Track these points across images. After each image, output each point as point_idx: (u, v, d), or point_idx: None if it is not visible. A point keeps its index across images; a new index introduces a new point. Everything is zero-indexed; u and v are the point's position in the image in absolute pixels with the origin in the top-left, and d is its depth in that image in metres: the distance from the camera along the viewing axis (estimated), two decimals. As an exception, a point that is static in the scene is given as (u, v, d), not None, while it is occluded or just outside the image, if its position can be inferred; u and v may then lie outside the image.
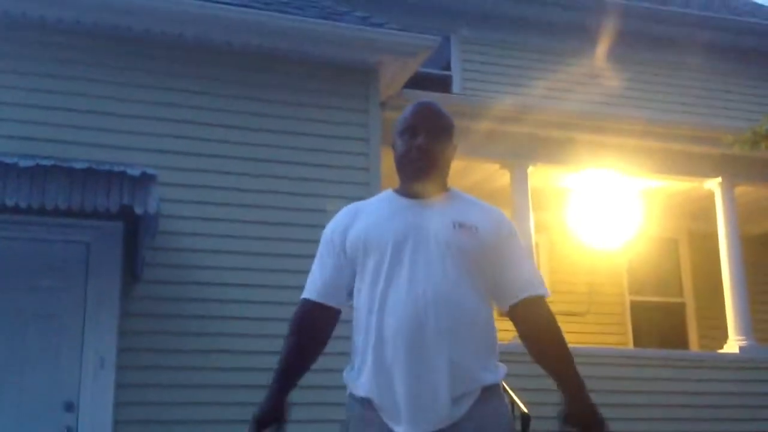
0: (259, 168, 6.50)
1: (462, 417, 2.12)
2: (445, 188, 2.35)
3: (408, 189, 2.33)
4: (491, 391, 2.19)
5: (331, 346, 2.39)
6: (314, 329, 2.34)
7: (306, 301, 2.34)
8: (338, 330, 2.39)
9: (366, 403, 2.18)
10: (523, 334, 2.32)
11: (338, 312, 2.36)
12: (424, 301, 2.13)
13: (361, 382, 2.19)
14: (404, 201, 2.30)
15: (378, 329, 2.16)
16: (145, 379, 5.84)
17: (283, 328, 2.40)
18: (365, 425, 2.18)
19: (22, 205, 5.03)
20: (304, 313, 2.34)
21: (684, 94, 9.93)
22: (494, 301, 2.33)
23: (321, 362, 2.39)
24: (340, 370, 2.32)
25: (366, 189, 6.70)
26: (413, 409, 2.10)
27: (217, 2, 6.43)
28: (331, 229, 2.37)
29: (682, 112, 9.63)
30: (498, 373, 2.23)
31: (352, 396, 2.24)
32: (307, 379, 2.38)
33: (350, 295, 2.34)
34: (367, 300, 2.21)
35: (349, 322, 2.36)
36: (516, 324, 2.33)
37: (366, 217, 2.30)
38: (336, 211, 2.42)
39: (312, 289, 2.34)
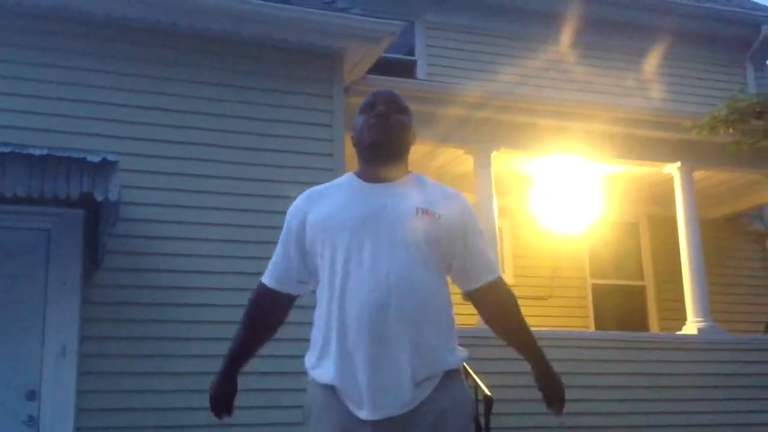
0: (222, 154, 6.46)
1: (424, 401, 2.15)
2: (406, 171, 2.35)
3: (368, 167, 2.32)
4: (452, 375, 2.22)
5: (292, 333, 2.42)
6: (266, 313, 2.41)
7: (261, 284, 2.41)
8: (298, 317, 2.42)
9: (328, 389, 2.18)
10: (489, 316, 2.40)
11: (292, 298, 2.41)
12: (386, 286, 2.14)
13: (323, 368, 2.20)
14: (365, 186, 2.30)
15: (340, 315, 2.17)
16: (108, 367, 5.80)
17: (241, 315, 2.44)
18: (327, 412, 2.19)
19: (-20, 192, 4.95)
20: (257, 297, 2.42)
21: (645, 80, 10.03)
22: (456, 284, 2.37)
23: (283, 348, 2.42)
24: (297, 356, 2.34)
25: (331, 174, 6.66)
26: (375, 393, 2.12)
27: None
28: (291, 214, 2.37)
29: (643, 97, 9.74)
30: (459, 356, 2.27)
31: (313, 382, 2.24)
32: (268, 365, 2.40)
33: (305, 282, 2.36)
34: (328, 285, 2.21)
35: (304, 307, 2.39)
36: (480, 306, 2.39)
37: (326, 202, 2.30)
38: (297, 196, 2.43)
39: (268, 273, 2.41)
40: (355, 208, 2.25)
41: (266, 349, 2.49)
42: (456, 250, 2.28)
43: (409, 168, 2.39)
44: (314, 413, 2.23)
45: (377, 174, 2.30)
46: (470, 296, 2.40)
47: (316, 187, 2.41)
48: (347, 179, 2.37)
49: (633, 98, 9.56)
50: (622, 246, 9.83)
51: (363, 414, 2.13)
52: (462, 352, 2.28)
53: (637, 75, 9.99)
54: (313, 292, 2.33)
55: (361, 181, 2.32)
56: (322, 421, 2.20)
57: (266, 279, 2.40)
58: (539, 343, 2.39)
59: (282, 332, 2.48)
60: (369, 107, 2.34)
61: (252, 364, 2.48)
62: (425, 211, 2.23)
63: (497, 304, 2.38)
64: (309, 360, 2.27)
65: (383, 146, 2.30)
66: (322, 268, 2.25)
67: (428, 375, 2.16)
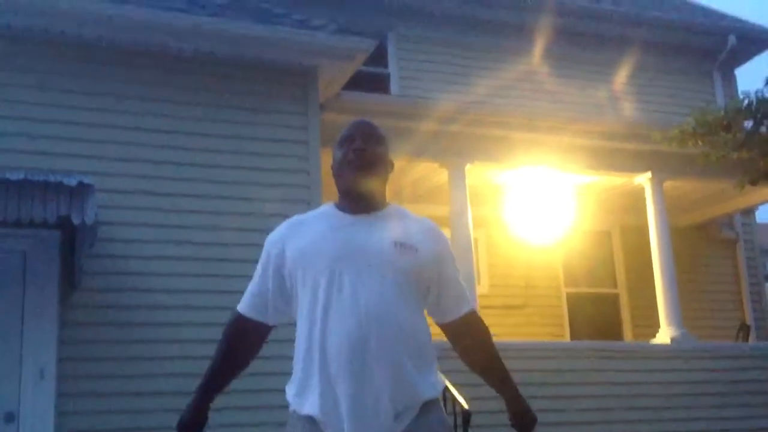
0: (198, 173, 6.48)
1: (403, 431, 2.20)
2: (384, 203, 2.40)
3: (347, 200, 2.38)
4: (431, 405, 2.27)
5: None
6: (241, 341, 2.44)
7: (237, 313, 2.44)
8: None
9: (309, 421, 2.22)
10: (463, 348, 2.46)
11: (268, 328, 2.45)
12: (366, 319, 2.18)
13: (305, 399, 2.24)
14: (345, 217, 2.35)
15: (321, 347, 2.21)
16: (87, 388, 5.80)
17: (220, 334, 2.47)
18: None
19: (-44, 218, 4.95)
20: (232, 324, 2.45)
21: (616, 92, 10.19)
22: (431, 316, 2.42)
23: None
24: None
25: (306, 191, 6.76)
26: (356, 424, 2.16)
27: (153, 7, 6.38)
28: (270, 243, 2.41)
29: (614, 109, 9.90)
30: (437, 387, 2.31)
31: (294, 414, 2.28)
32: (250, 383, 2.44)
33: (282, 312, 2.40)
34: (308, 317, 2.25)
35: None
36: (454, 338, 2.45)
37: (306, 232, 2.35)
38: (277, 221, 2.49)
39: (244, 302, 2.44)
40: (334, 240, 2.29)
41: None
42: (432, 282, 2.34)
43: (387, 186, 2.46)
44: None
45: (356, 206, 2.36)
46: (445, 328, 2.46)
47: (296, 217, 2.45)
48: (327, 210, 2.42)
49: (604, 110, 9.71)
50: (596, 255, 9.97)
51: None
52: (440, 382, 2.34)
53: (607, 87, 10.14)
54: (292, 320, 2.37)
55: (341, 212, 2.37)
56: None
57: (242, 308, 2.43)
58: (514, 357, 2.53)
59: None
60: (347, 141, 2.39)
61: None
62: (403, 245, 2.29)
63: (471, 337, 2.44)
64: (290, 391, 2.30)
65: (362, 181, 2.35)
66: (302, 299, 2.29)
67: (407, 406, 2.21)
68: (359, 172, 2.34)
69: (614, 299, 10.04)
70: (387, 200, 2.44)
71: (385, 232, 2.31)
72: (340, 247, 2.27)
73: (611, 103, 10.00)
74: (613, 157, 8.53)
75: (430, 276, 2.33)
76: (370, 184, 2.37)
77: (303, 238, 2.33)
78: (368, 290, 2.21)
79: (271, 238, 2.42)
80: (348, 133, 2.41)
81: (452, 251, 2.46)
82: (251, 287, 2.43)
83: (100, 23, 6.30)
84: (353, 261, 2.24)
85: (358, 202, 2.36)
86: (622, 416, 7.55)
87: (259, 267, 2.42)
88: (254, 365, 2.52)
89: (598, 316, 9.84)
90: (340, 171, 2.39)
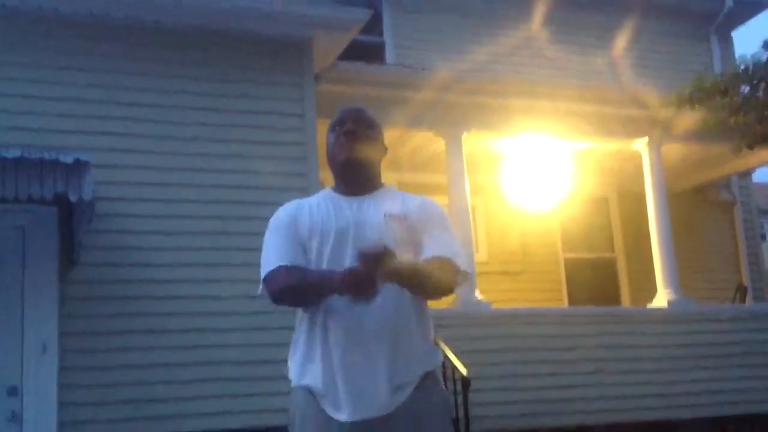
0: (195, 147, 6.50)
1: (401, 405, 2.25)
2: (378, 185, 2.48)
3: (343, 182, 2.44)
4: (429, 378, 2.32)
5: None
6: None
7: (278, 267, 2.31)
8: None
9: (309, 395, 2.28)
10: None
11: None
12: None
13: (306, 370, 2.30)
14: (342, 199, 2.42)
15: (323, 322, 2.28)
16: (88, 362, 5.87)
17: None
18: (306, 420, 2.29)
19: (-47, 196, 4.97)
20: (282, 271, 2.30)
21: (613, 57, 10.12)
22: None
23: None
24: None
25: (303, 163, 6.77)
26: (354, 397, 2.22)
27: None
28: (278, 217, 2.45)
29: (611, 74, 9.84)
30: (436, 359, 2.38)
31: (297, 387, 2.33)
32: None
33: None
34: None
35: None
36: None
37: (309, 212, 2.41)
38: (274, 194, 2.51)
39: (276, 260, 2.33)
40: (334, 218, 2.36)
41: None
42: (419, 237, 2.37)
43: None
44: (297, 421, 2.33)
45: (351, 189, 2.43)
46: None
47: (298, 200, 2.50)
48: (325, 194, 2.49)
49: (602, 75, 9.66)
50: (593, 221, 10.00)
51: (342, 417, 2.23)
52: (439, 354, 2.39)
53: (605, 52, 10.08)
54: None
55: (338, 195, 2.44)
56: (303, 429, 2.30)
57: (279, 261, 2.32)
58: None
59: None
60: (339, 124, 2.45)
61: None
62: (393, 215, 2.36)
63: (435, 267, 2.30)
64: (293, 364, 2.36)
65: (354, 164, 2.42)
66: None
67: (405, 379, 2.26)
68: (351, 152, 2.40)
69: (612, 264, 10.09)
70: (382, 182, 2.50)
71: (378, 207, 2.39)
72: (339, 228, 2.34)
73: (609, 69, 9.94)
74: (611, 122, 8.52)
75: (420, 234, 2.37)
76: (362, 164, 2.43)
77: (307, 217, 2.40)
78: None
79: (281, 214, 2.45)
80: (339, 117, 2.47)
81: (448, 220, 2.49)
82: (276, 248, 2.36)
83: (95, 0, 6.27)
84: (351, 238, 2.31)
85: (352, 183, 2.43)
86: (620, 380, 7.63)
87: (272, 239, 2.39)
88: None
89: (596, 281, 9.90)
90: (332, 153, 2.46)
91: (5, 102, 6.03)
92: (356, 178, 2.43)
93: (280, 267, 2.31)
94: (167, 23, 6.56)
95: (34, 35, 6.23)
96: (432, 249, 2.34)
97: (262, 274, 2.36)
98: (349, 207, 2.39)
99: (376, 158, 2.48)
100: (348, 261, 2.26)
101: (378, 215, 2.35)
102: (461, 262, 2.38)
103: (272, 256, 2.36)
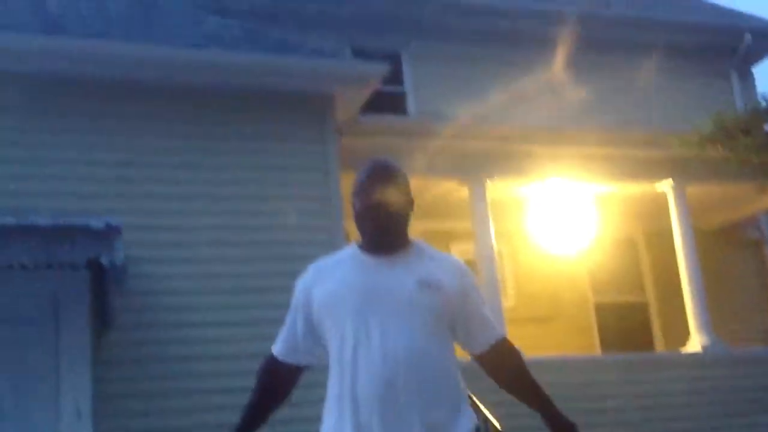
0: (221, 205, 6.57)
1: None
2: (407, 242, 2.42)
3: (371, 244, 2.40)
4: None
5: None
6: (275, 381, 2.50)
7: (270, 354, 2.50)
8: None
9: None
10: (499, 377, 2.48)
11: (300, 369, 2.48)
12: (394, 361, 2.22)
13: None
14: (369, 259, 2.38)
15: (352, 390, 2.25)
16: (123, 425, 5.87)
17: (256, 365, 2.53)
18: None
19: (-13, 265, 5.05)
20: (266, 366, 2.51)
21: (634, 99, 10.15)
22: (463, 349, 2.45)
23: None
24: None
25: (328, 217, 6.82)
26: None
27: (171, 45, 6.48)
28: (298, 289, 2.46)
29: (632, 116, 9.85)
30: (468, 424, 2.34)
31: None
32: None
33: (313, 354, 2.45)
34: (338, 360, 2.29)
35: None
36: (488, 368, 2.47)
37: (332, 276, 2.39)
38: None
39: (277, 343, 2.49)
40: (360, 282, 2.33)
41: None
42: (458, 316, 2.37)
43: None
44: None
45: (379, 248, 2.39)
46: (478, 360, 2.47)
47: (322, 260, 2.49)
48: (351, 252, 2.45)
49: (623, 117, 9.67)
50: (622, 263, 9.90)
51: None
52: (472, 420, 2.36)
53: (625, 93, 10.10)
54: (323, 359, 2.40)
55: (365, 254, 2.40)
56: None
57: (275, 349, 2.49)
58: (544, 372, 2.59)
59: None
60: (366, 188, 2.39)
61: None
62: (427, 283, 2.32)
63: (505, 368, 2.47)
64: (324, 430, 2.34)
65: (384, 229, 2.38)
66: (332, 345, 2.33)
67: None
68: (382, 229, 2.38)
69: (643, 307, 9.97)
70: (410, 238, 2.46)
71: (409, 272, 2.34)
72: (366, 292, 2.31)
73: (630, 110, 9.96)
74: (635, 165, 8.51)
75: (455, 311, 2.35)
76: (391, 231, 2.40)
77: (329, 283, 2.37)
78: (395, 334, 2.25)
79: (299, 284, 2.46)
80: (364, 181, 2.41)
81: (477, 284, 2.49)
82: (283, 330, 2.48)
83: (122, 64, 6.42)
84: (379, 305, 2.28)
85: (381, 248, 2.39)
86: (657, 427, 7.49)
87: (290, 309, 2.46)
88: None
89: (628, 325, 9.78)
90: (360, 220, 2.41)
91: (36, 168, 6.14)
92: (385, 240, 2.39)
93: (269, 355, 2.49)
94: (192, 83, 6.68)
95: (62, 100, 6.37)
96: (484, 337, 2.42)
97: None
98: (376, 269, 2.35)
99: (403, 215, 2.43)
100: (375, 327, 2.25)
101: (410, 281, 2.31)
102: (501, 328, 2.56)
103: (281, 333, 2.48)
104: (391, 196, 2.39)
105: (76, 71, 6.35)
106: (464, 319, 2.38)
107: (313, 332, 2.40)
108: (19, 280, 5.81)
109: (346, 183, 6.85)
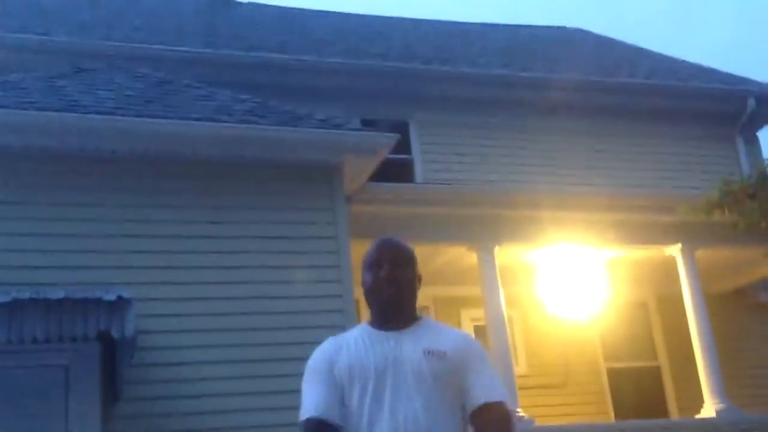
0: (232, 275, 6.61)
1: None
2: (415, 318, 2.53)
3: (380, 320, 2.50)
4: None
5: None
6: None
7: (308, 420, 2.38)
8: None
9: None
10: None
11: (339, 428, 2.41)
12: (404, 430, 2.29)
13: None
14: (380, 334, 2.47)
15: None
16: (132, 499, 5.84)
17: None
18: None
19: (1, 340, 5.10)
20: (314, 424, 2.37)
21: (640, 163, 10.25)
22: (466, 409, 2.45)
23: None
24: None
25: (338, 286, 6.85)
26: None
27: (181, 118, 6.63)
28: (316, 360, 2.50)
29: (639, 181, 9.93)
30: None
31: None
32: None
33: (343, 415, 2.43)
34: (355, 430, 2.35)
35: None
36: (475, 429, 2.44)
37: (347, 350, 2.46)
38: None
39: (312, 409, 2.39)
40: (374, 355, 2.41)
41: None
42: (462, 381, 2.42)
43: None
44: None
45: (389, 325, 2.49)
46: (470, 419, 2.44)
47: (335, 337, 2.56)
48: (362, 329, 2.54)
49: (629, 182, 9.76)
50: (633, 327, 9.87)
51: None
52: None
53: (631, 158, 10.21)
54: None
55: (375, 330, 2.50)
56: None
57: (309, 413, 2.38)
58: None
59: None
60: (375, 265, 2.51)
61: None
62: (432, 352, 2.41)
63: (489, 429, 2.40)
64: None
65: (393, 306, 2.50)
66: (349, 413, 2.38)
67: None
68: (391, 302, 2.48)
69: (656, 372, 9.88)
70: (418, 313, 2.56)
71: (416, 343, 2.43)
72: (380, 362, 2.39)
73: (637, 175, 10.04)
74: (642, 230, 8.54)
75: (460, 375, 2.41)
76: (401, 307, 2.51)
77: (345, 356, 2.45)
78: (405, 402, 2.33)
79: (316, 356, 2.50)
80: (376, 256, 2.52)
81: (486, 355, 2.54)
82: (312, 396, 2.42)
83: (133, 138, 6.55)
84: (390, 375, 2.37)
85: (391, 322, 2.49)
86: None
87: (309, 382, 2.45)
88: None
89: (641, 391, 9.68)
90: (370, 296, 2.52)
91: (47, 242, 6.22)
92: (394, 316, 2.50)
93: (309, 420, 2.37)
94: (203, 156, 6.79)
95: (74, 175, 6.48)
96: (479, 394, 2.40)
97: (300, 417, 2.42)
98: (387, 343, 2.44)
99: (411, 291, 2.54)
100: (387, 398, 2.32)
101: (416, 351, 2.40)
102: (501, 393, 2.44)
103: (309, 401, 2.41)
104: (399, 273, 2.51)
105: (90, 147, 6.48)
106: (465, 377, 2.42)
107: (336, 392, 2.41)
108: (32, 353, 5.85)
109: (356, 250, 6.96)
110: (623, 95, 10.58)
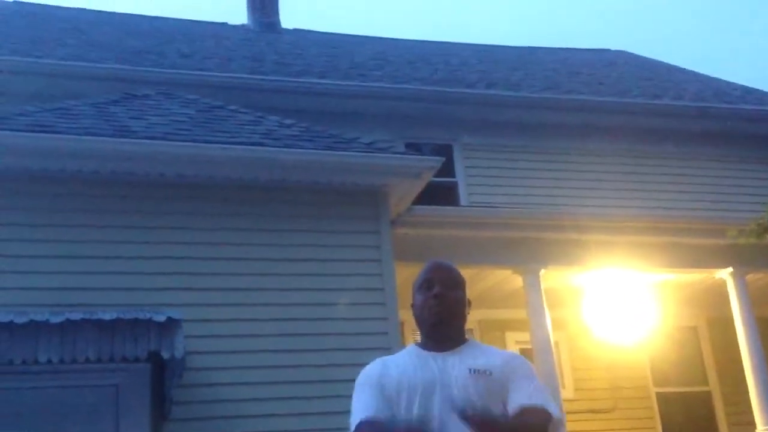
0: (278, 297, 6.67)
1: None
2: (462, 340, 2.57)
3: (428, 340, 2.55)
4: None
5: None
6: None
7: (360, 422, 2.39)
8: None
9: None
10: None
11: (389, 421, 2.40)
12: None
13: None
14: (428, 354, 2.51)
15: None
16: None
17: None
18: None
19: (54, 359, 5.21)
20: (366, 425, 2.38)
21: (689, 186, 10.13)
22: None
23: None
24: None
25: (383, 308, 6.86)
26: None
27: (229, 143, 6.75)
28: (365, 375, 2.53)
29: (689, 205, 9.80)
30: None
31: None
32: None
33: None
34: None
35: None
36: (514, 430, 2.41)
37: (396, 368, 2.50)
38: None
39: (361, 414, 2.40)
40: (422, 373, 2.45)
41: None
42: (506, 393, 2.43)
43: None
44: None
45: (437, 346, 2.53)
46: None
47: (384, 357, 2.61)
48: (410, 350, 2.59)
49: (677, 205, 9.64)
50: (683, 351, 9.72)
51: None
52: None
53: (678, 182, 10.10)
54: None
55: (423, 350, 2.54)
56: None
57: (368, 414, 2.39)
58: None
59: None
60: (426, 286, 2.57)
61: None
62: (477, 371, 2.44)
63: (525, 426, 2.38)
64: None
65: (443, 327, 2.54)
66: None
67: None
68: (440, 319, 2.53)
69: (707, 397, 9.70)
70: (466, 336, 2.60)
71: (462, 362, 2.47)
72: (427, 381, 2.42)
73: (685, 197, 9.92)
74: (691, 253, 8.43)
75: (505, 391, 2.42)
76: (449, 328, 2.55)
77: (394, 373, 2.48)
78: (454, 421, 2.33)
79: (365, 373, 2.54)
80: (427, 277, 2.59)
81: (533, 370, 2.54)
82: (362, 404, 2.44)
83: (180, 163, 6.68)
84: (437, 393, 2.39)
85: (440, 343, 2.54)
86: None
87: (359, 394, 2.48)
88: None
89: (692, 415, 9.51)
90: (421, 316, 2.58)
91: (98, 264, 6.35)
92: (444, 337, 2.54)
93: (362, 422, 2.39)
94: (250, 180, 6.89)
95: (124, 199, 6.62)
96: (519, 399, 2.40)
97: (351, 426, 2.43)
98: (434, 363, 2.47)
99: (463, 317, 2.59)
100: (435, 418, 2.34)
101: (463, 370, 2.43)
102: (553, 409, 2.43)
103: (358, 411, 2.44)
104: (449, 294, 2.56)
105: (140, 171, 6.62)
106: (509, 392, 2.42)
107: (388, 406, 2.42)
108: (84, 373, 5.96)
109: (400, 273, 6.99)
110: (669, 118, 10.50)
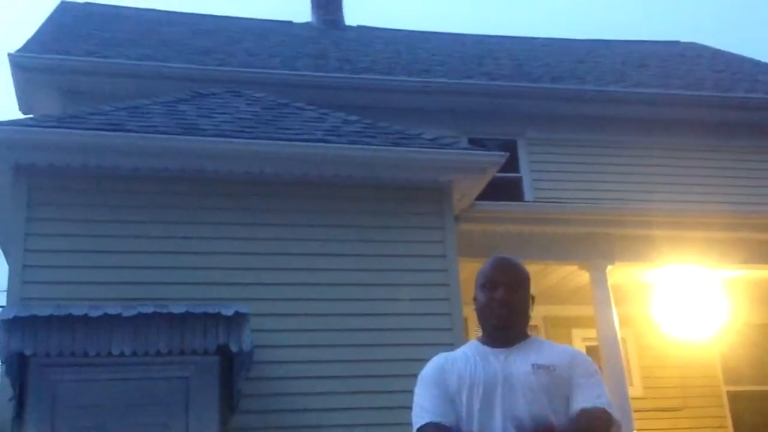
0: (342, 292, 6.74)
1: None
2: (525, 336, 2.58)
3: (491, 338, 2.57)
4: None
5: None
6: None
7: (426, 425, 2.42)
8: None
9: None
10: None
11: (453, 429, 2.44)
12: None
13: None
14: (489, 350, 2.53)
15: None
16: None
17: None
18: None
19: (127, 352, 5.36)
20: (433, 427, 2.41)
21: (763, 181, 9.86)
22: None
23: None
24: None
25: (447, 304, 6.87)
26: None
27: (295, 140, 6.83)
28: (428, 370, 2.57)
29: (762, 200, 9.53)
30: None
31: None
32: None
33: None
34: None
35: None
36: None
37: (458, 363, 2.53)
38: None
39: (426, 415, 2.43)
40: (484, 369, 2.47)
41: None
42: (568, 389, 2.44)
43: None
44: None
45: (500, 343, 2.55)
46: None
47: (444, 353, 2.63)
48: (472, 346, 2.61)
49: (751, 198, 9.40)
50: (756, 349, 9.47)
51: None
52: None
53: (751, 176, 9.83)
54: None
55: (485, 346, 2.56)
56: None
57: (423, 419, 2.43)
58: None
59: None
60: (489, 286, 2.56)
61: None
62: (540, 366, 2.46)
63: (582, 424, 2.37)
64: None
65: (508, 328, 2.56)
66: (459, 421, 2.42)
67: None
68: (506, 320, 2.54)
69: (780, 396, 9.44)
70: (528, 333, 2.62)
71: (525, 358, 2.49)
72: (489, 375, 2.45)
73: (758, 192, 9.66)
74: (765, 249, 8.19)
75: (568, 387, 2.44)
76: (515, 328, 2.57)
77: (456, 369, 2.51)
78: (515, 414, 2.37)
79: (428, 369, 2.57)
80: (491, 276, 2.58)
81: (596, 368, 2.53)
82: (426, 403, 2.47)
83: (247, 160, 6.79)
84: (499, 389, 2.42)
85: (502, 339, 2.56)
86: None
87: (422, 391, 2.51)
88: None
89: (764, 414, 9.25)
90: (484, 316, 2.59)
91: (169, 260, 6.51)
92: (506, 336, 2.56)
93: (429, 424, 2.41)
94: (314, 176, 6.97)
95: (193, 196, 6.76)
96: (581, 400, 2.41)
97: (414, 426, 2.46)
98: (496, 359, 2.49)
99: (524, 312, 2.60)
100: (498, 413, 2.37)
101: (525, 366, 2.45)
102: (614, 411, 2.44)
103: (423, 409, 2.47)
104: (513, 296, 2.56)
105: (208, 168, 6.76)
106: (572, 389, 2.44)
107: (450, 404, 2.45)
108: (155, 365, 6.12)
109: (465, 269, 6.99)
110: (742, 111, 10.22)
